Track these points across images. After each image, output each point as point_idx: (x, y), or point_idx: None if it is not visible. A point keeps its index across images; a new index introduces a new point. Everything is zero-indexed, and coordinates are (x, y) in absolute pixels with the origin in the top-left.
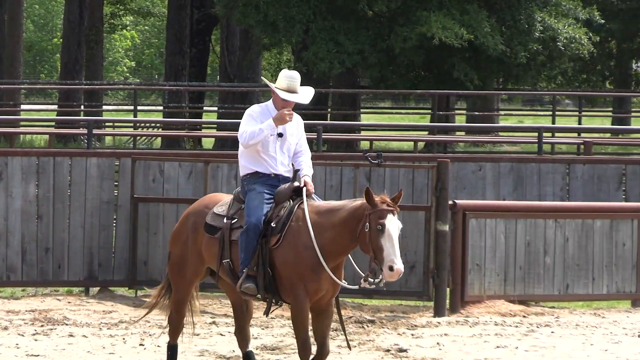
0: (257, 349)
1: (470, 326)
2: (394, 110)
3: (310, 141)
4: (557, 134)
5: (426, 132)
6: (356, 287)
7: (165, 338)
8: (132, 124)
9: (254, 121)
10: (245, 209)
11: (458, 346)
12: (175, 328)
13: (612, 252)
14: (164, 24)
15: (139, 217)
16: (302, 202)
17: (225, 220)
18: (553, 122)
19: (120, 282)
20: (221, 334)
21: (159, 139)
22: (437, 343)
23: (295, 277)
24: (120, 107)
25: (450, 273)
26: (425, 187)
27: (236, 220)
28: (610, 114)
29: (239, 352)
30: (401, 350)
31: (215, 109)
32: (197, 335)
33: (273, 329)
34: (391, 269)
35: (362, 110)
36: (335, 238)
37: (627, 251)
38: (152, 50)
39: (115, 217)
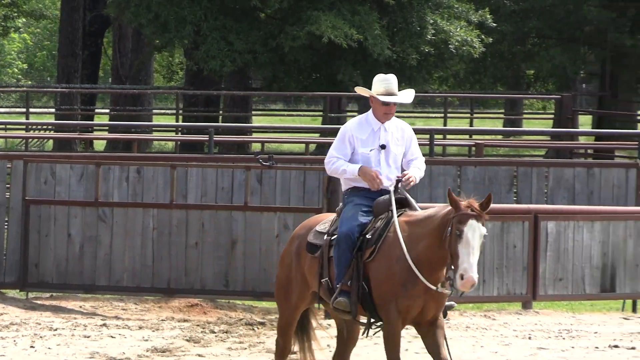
0: (147, 351)
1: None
2: (285, 112)
3: (201, 143)
4: (448, 136)
5: (318, 134)
6: (434, 287)
7: (56, 340)
8: (24, 127)
9: (346, 145)
10: (339, 221)
11: None
12: (280, 353)
13: (502, 254)
14: (56, 26)
15: (31, 219)
16: (401, 213)
17: (325, 237)
18: (444, 124)
19: (12, 284)
20: (112, 336)
21: (51, 141)
22: (328, 345)
23: (386, 293)
24: (12, 110)
25: None
26: (316, 189)
27: (335, 236)
28: (501, 116)
29: (129, 354)
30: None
31: (107, 111)
32: (88, 337)
33: (163, 331)
34: (462, 277)
35: (253, 112)
36: (429, 247)
37: (518, 253)
38: (44, 52)
39: (6, 219)
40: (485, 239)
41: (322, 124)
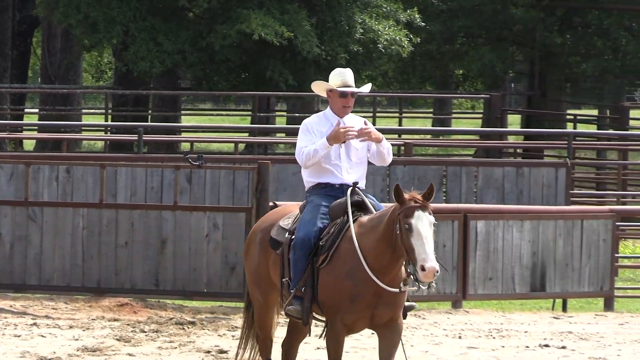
0: (78, 350)
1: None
2: (214, 112)
3: (130, 143)
4: None
5: (247, 134)
6: (396, 290)
7: None
8: None
9: (310, 135)
10: (298, 223)
11: (277, 347)
12: (262, 347)
13: None
14: None
15: None
16: (356, 218)
17: (287, 235)
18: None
19: None
20: (42, 335)
21: None
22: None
23: (333, 306)
24: None
25: None
26: (245, 188)
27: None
28: (430, 115)
29: (60, 353)
30: (222, 351)
31: (37, 110)
32: (18, 336)
33: (94, 331)
34: (423, 268)
35: (182, 111)
36: (382, 251)
37: (448, 252)
38: None
39: None
40: (435, 227)
41: (250, 124)
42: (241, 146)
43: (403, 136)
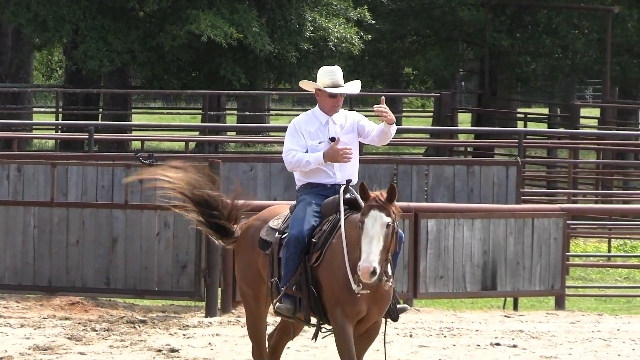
0: (29, 349)
1: (241, 326)
2: (165, 111)
3: (81, 141)
4: None
5: (197, 132)
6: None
7: None
8: None
9: (298, 137)
10: (290, 221)
11: (230, 346)
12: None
13: None
14: None
15: None
16: (347, 216)
17: (276, 235)
18: None
19: None
20: None
21: None
22: (209, 343)
23: (333, 299)
24: None
25: (222, 273)
26: None
27: (286, 234)
28: None
29: (11, 352)
30: (173, 350)
31: None
32: None
33: (45, 329)
34: (359, 268)
35: (133, 110)
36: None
37: None
38: None
39: None
40: (388, 228)
41: (201, 122)
42: (192, 145)
43: None
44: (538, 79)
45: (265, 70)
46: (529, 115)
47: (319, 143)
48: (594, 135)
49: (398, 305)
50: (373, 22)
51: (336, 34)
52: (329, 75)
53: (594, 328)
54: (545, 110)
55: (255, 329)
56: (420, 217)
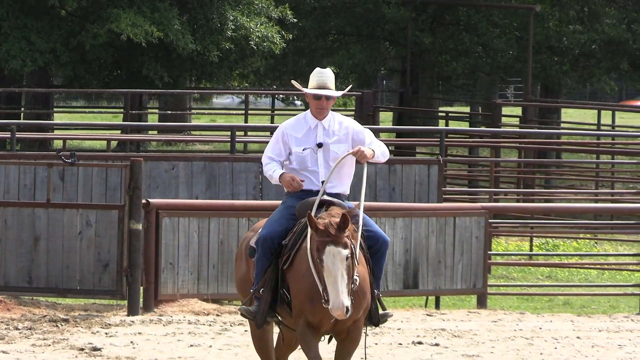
0: None
1: (163, 325)
2: (87, 110)
3: (3, 140)
4: (249, 133)
5: (119, 131)
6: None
7: None
8: None
9: (279, 146)
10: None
11: (152, 345)
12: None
13: None
14: None
15: None
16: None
17: None
18: (246, 121)
19: None
20: None
21: None
22: (131, 342)
23: (297, 307)
24: None
25: (143, 272)
26: (118, 186)
27: None
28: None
29: None
30: (95, 349)
31: None
32: None
33: None
34: (332, 307)
35: (55, 109)
36: None
37: None
38: None
39: None
40: (348, 260)
41: (123, 121)
42: (113, 144)
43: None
44: (459, 78)
45: (188, 69)
46: (450, 114)
47: (303, 150)
48: (515, 134)
49: (380, 312)
50: (295, 20)
51: (257, 33)
52: (316, 77)
53: (516, 327)
54: (467, 109)
55: (258, 341)
56: None
